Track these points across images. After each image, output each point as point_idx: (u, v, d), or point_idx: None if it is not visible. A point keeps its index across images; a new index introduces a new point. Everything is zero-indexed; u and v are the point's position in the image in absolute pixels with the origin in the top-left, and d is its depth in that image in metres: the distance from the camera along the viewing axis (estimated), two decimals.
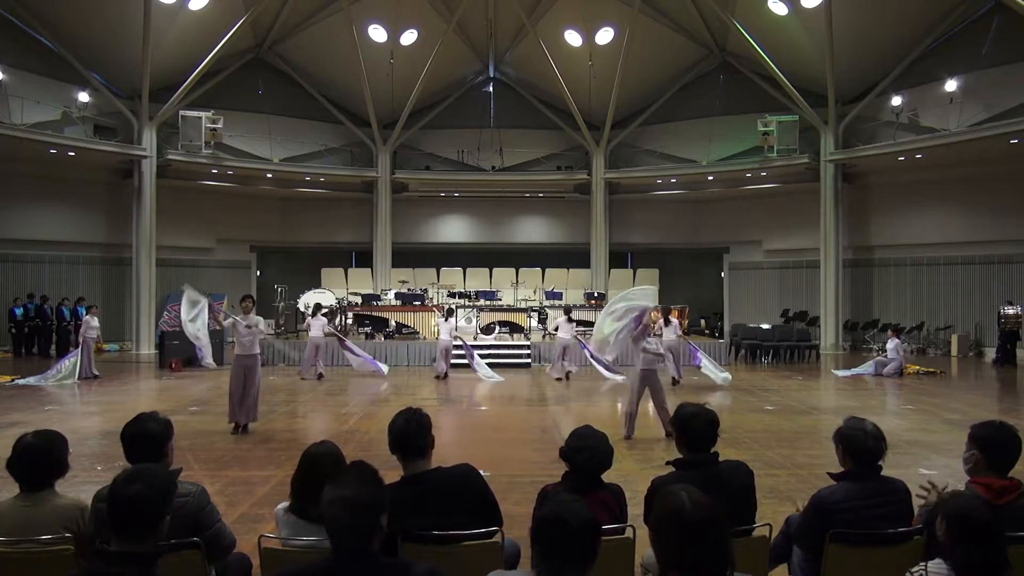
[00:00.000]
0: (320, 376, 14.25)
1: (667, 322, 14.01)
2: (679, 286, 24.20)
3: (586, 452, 3.08)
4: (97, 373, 13.91)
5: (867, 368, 14.95)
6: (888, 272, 20.53)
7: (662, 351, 8.88)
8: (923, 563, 2.35)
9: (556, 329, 14.75)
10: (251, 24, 19.99)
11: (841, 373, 15.04)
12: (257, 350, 8.90)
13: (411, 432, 3.02)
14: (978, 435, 3.01)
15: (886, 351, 15.22)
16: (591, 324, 18.66)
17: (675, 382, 13.13)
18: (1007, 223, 17.86)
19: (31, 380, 13.04)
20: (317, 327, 14.54)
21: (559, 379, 13.97)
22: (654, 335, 8.78)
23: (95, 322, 14.41)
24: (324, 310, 15.96)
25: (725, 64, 21.92)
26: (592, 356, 13.99)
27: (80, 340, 14.35)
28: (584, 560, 2.08)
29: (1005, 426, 3.02)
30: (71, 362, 13.46)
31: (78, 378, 13.28)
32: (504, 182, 23.17)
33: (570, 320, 14.58)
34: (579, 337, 15.21)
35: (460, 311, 18.85)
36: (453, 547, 2.87)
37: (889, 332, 15.70)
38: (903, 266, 20.22)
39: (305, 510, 2.85)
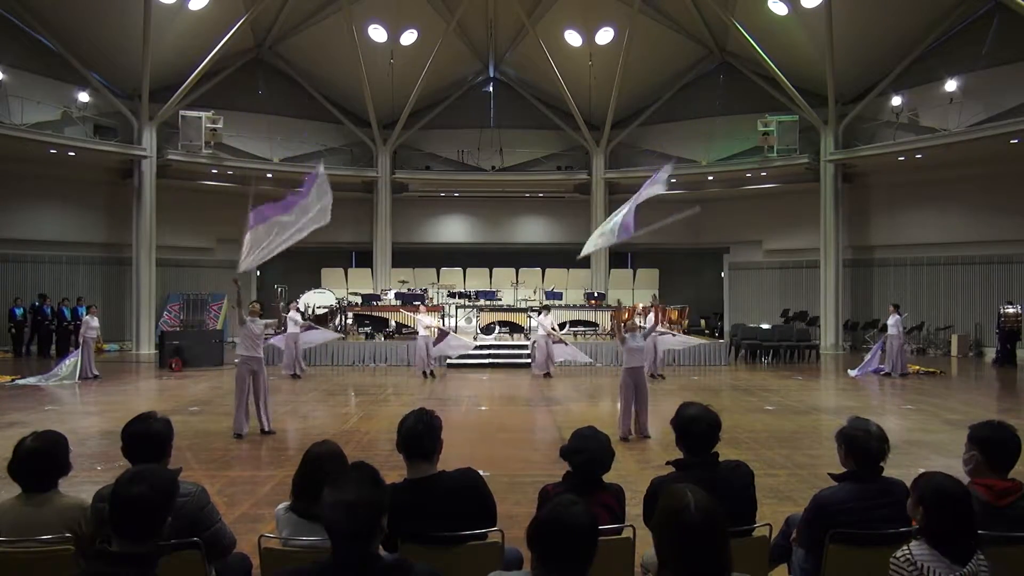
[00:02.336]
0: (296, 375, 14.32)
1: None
2: (679, 286, 24.19)
3: (585, 454, 3.07)
4: (97, 373, 13.91)
5: (874, 354, 14.87)
6: (888, 272, 20.53)
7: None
8: (906, 546, 2.40)
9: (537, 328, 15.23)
10: (251, 24, 19.99)
11: (854, 372, 14.90)
12: (261, 353, 8.83)
13: (418, 434, 3.00)
14: (977, 435, 3.01)
15: (887, 326, 15.11)
16: (590, 323, 18.71)
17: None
18: (1007, 223, 17.86)
19: (31, 380, 13.04)
20: (293, 323, 14.59)
21: (547, 375, 14.30)
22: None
23: (95, 322, 14.39)
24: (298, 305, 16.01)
25: (725, 64, 21.92)
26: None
27: (80, 340, 14.35)
28: (583, 562, 2.07)
29: (1004, 426, 3.02)
30: (71, 362, 13.47)
31: (78, 378, 13.28)
32: (504, 182, 23.17)
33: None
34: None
35: (460, 311, 18.84)
36: (453, 548, 2.86)
37: (890, 308, 15.57)
38: (903, 266, 20.22)
39: (306, 509, 2.85)
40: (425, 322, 14.61)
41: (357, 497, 2.05)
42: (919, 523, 2.45)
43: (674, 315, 19.08)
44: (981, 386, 14.09)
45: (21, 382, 12.95)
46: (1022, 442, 2.99)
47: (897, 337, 14.65)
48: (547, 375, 14.36)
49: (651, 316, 15.14)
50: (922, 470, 2.69)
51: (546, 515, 2.13)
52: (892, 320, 14.82)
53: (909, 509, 2.53)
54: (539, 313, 15.41)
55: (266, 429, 8.53)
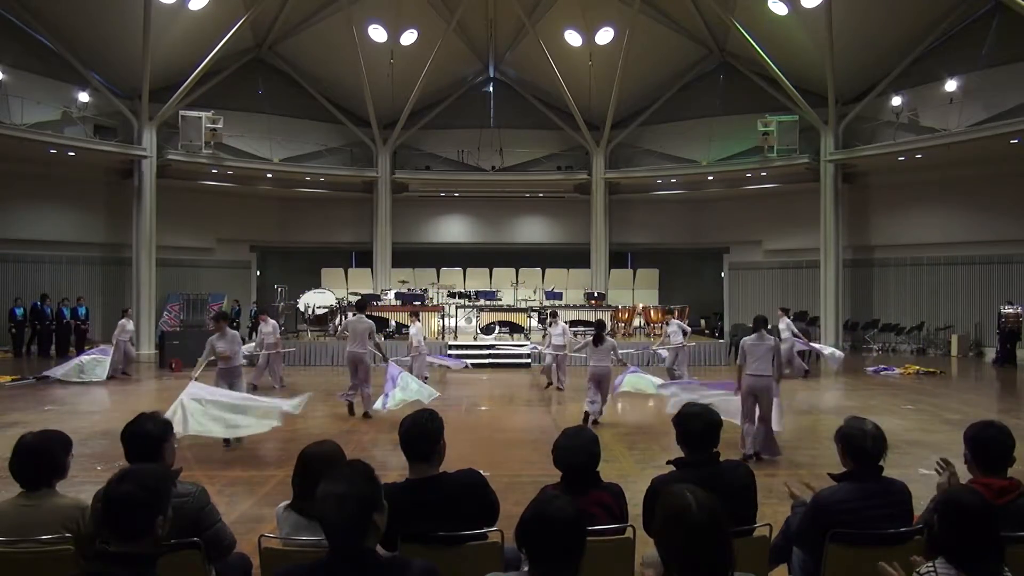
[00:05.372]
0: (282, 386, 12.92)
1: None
2: (679, 286, 24.21)
3: (559, 451, 3.08)
4: (128, 373, 14.16)
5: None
6: (888, 272, 20.53)
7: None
8: (931, 563, 2.34)
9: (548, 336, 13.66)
10: (251, 24, 19.98)
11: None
12: (363, 349, 9.83)
13: (414, 436, 3.01)
14: (966, 434, 3.07)
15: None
16: (591, 323, 18.71)
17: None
18: (1007, 223, 17.86)
19: (58, 372, 13.09)
20: (270, 332, 13.17)
21: (555, 386, 12.73)
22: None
23: (130, 325, 14.60)
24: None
25: (725, 64, 21.91)
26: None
27: (113, 341, 14.29)
28: (571, 557, 2.09)
29: (991, 425, 3.03)
30: (97, 360, 13.32)
31: (107, 377, 13.36)
32: (504, 182, 23.17)
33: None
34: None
35: (460, 311, 18.82)
36: (453, 548, 2.86)
37: (779, 312, 14.71)
38: (903, 266, 20.22)
39: (306, 509, 2.85)
40: (412, 331, 13.25)
41: (347, 489, 2.06)
42: (938, 537, 2.35)
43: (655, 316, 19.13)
44: (981, 386, 14.09)
45: (47, 372, 13.17)
46: (1014, 441, 3.00)
47: (787, 341, 13.59)
48: (559, 387, 12.63)
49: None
50: (923, 471, 2.68)
51: (529, 512, 2.16)
52: (783, 324, 14.03)
53: (932, 525, 2.44)
54: (548, 322, 13.55)
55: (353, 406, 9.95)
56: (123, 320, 14.78)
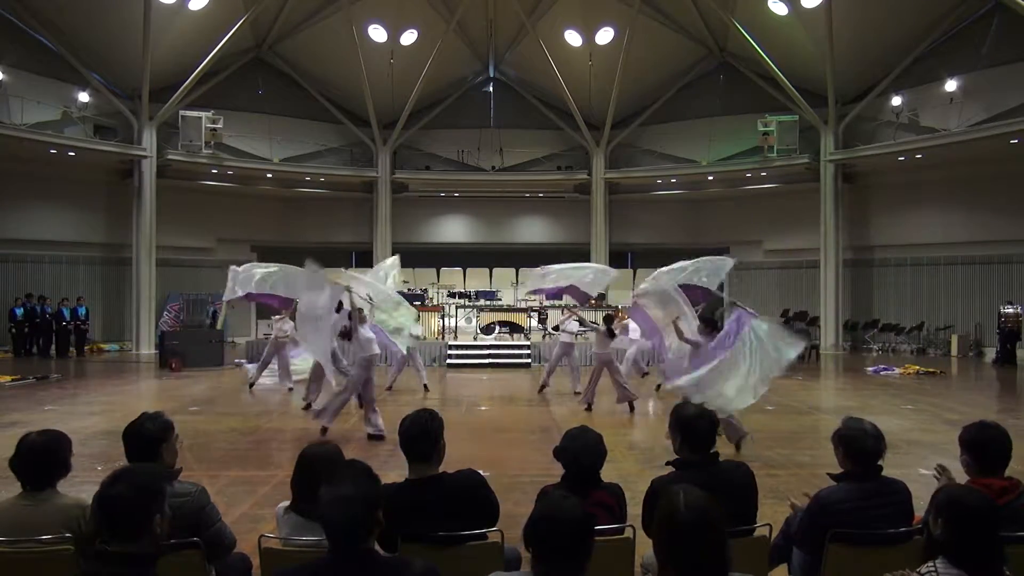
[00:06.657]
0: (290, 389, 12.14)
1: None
2: None
3: (568, 452, 3.09)
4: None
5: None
6: (888, 272, 20.52)
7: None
8: (932, 562, 2.32)
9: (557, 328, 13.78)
10: (251, 24, 19.98)
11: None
12: (377, 350, 9.43)
13: (413, 436, 3.02)
14: (962, 436, 3.06)
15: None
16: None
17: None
18: (1007, 223, 17.86)
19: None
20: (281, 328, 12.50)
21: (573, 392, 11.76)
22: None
23: (287, 325, 12.16)
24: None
25: (725, 64, 21.91)
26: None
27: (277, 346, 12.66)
28: (579, 557, 2.09)
29: (988, 426, 3.03)
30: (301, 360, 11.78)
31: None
32: (504, 182, 23.16)
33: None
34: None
35: (460, 311, 18.81)
36: (453, 548, 2.86)
37: (621, 312, 13.13)
38: (903, 266, 20.22)
39: (306, 510, 2.85)
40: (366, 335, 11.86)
41: (352, 491, 2.09)
42: (940, 538, 2.33)
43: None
44: (981, 386, 14.09)
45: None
46: (1011, 442, 3.00)
47: (636, 342, 12.31)
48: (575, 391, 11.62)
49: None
50: (923, 471, 2.67)
51: (539, 512, 2.16)
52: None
53: (930, 525, 2.43)
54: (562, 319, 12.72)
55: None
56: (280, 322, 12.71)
